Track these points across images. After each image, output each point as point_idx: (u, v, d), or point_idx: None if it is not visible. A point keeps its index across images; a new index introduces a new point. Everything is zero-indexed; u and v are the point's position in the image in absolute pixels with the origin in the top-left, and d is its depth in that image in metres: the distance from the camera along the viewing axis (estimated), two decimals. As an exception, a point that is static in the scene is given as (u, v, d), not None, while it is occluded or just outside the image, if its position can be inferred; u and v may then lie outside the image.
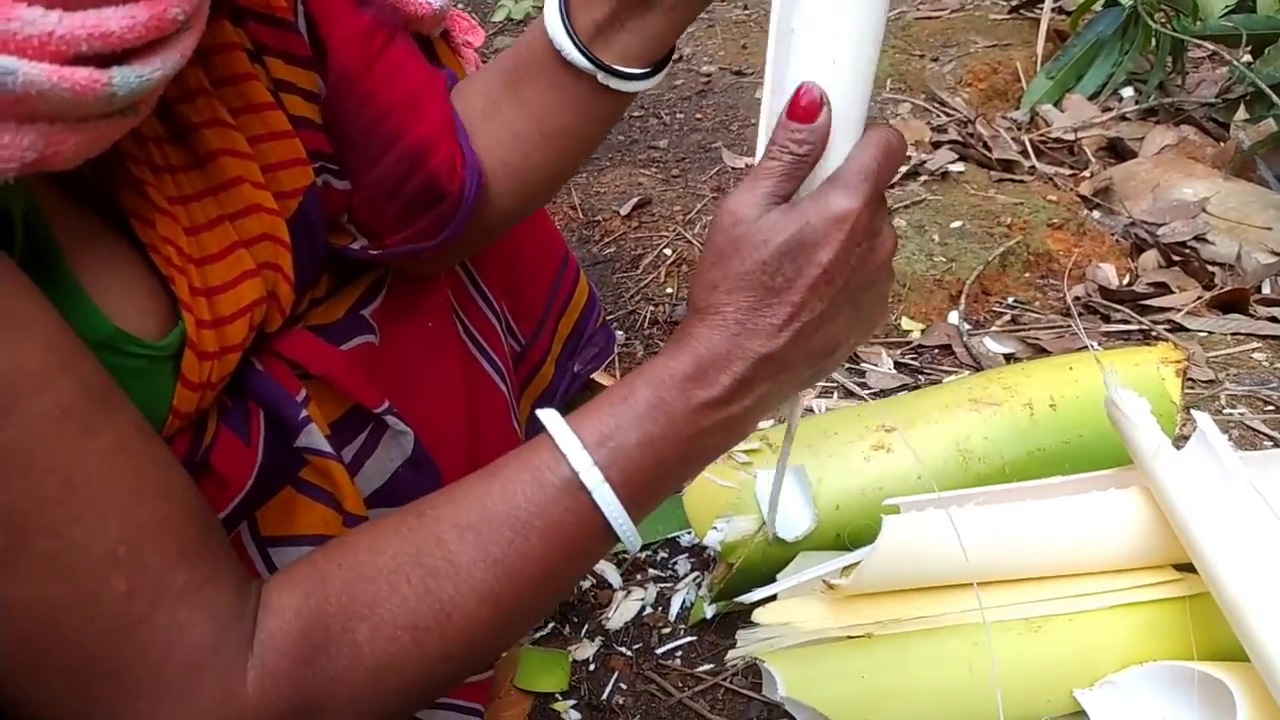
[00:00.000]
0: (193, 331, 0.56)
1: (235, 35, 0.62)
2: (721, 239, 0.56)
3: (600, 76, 0.66)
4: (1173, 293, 1.43)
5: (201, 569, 0.52)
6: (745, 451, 0.94)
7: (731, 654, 0.82)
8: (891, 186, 1.56)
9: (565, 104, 0.69)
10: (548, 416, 0.57)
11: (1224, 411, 1.15)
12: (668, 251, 1.53)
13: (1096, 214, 1.64)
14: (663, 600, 0.99)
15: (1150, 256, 1.53)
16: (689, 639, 0.95)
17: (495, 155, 0.72)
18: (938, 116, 1.89)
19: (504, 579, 0.55)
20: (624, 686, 0.91)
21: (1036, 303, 1.44)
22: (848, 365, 1.30)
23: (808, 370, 0.59)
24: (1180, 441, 1.01)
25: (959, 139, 1.79)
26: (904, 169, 1.65)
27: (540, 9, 0.67)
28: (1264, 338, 1.30)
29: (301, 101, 0.66)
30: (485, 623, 0.55)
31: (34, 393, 0.45)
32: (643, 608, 0.98)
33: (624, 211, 1.62)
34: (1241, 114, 1.82)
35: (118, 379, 0.51)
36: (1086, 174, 1.76)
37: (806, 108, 0.55)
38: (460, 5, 2.78)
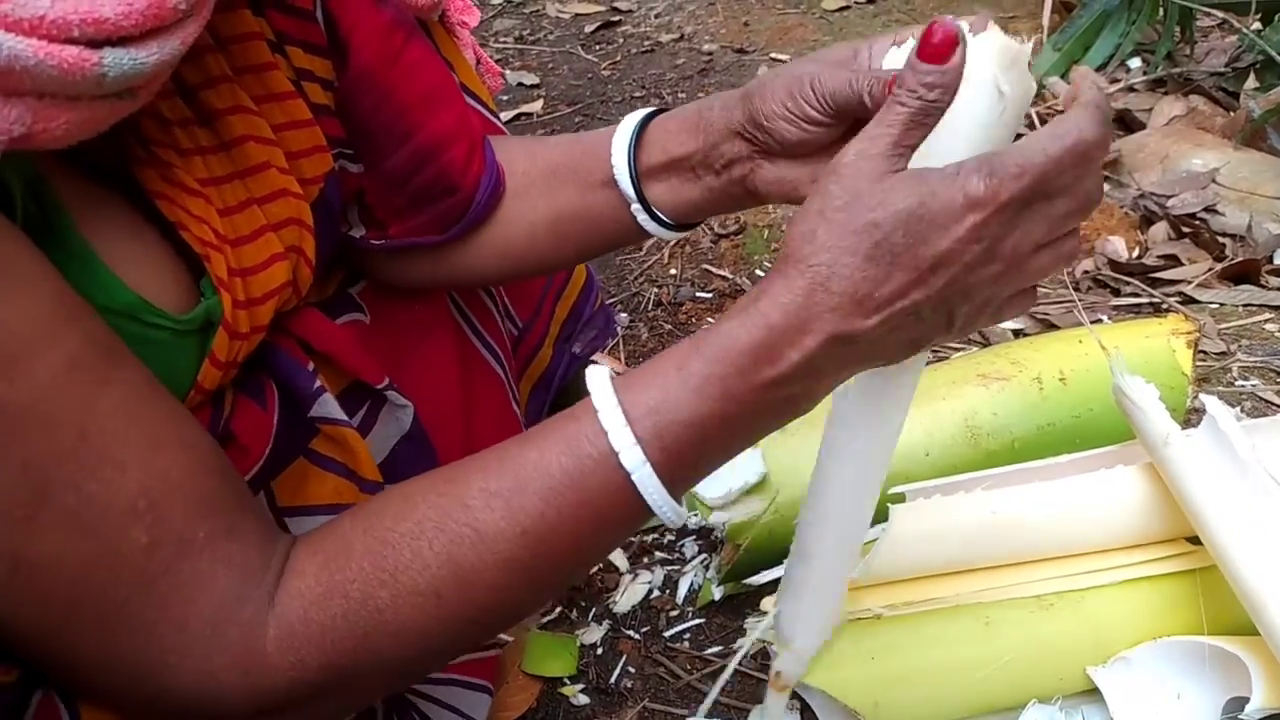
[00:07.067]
0: (229, 312, 0.57)
1: (256, 25, 0.62)
2: (834, 187, 0.50)
3: (634, 207, 0.71)
4: (1183, 265, 1.41)
5: (221, 523, 0.52)
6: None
7: (741, 643, 0.81)
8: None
9: (589, 216, 0.73)
10: (595, 379, 0.53)
11: (1236, 383, 1.14)
12: (671, 232, 1.52)
13: (1105, 186, 1.62)
14: (670, 583, 0.98)
15: (1160, 228, 1.51)
16: (697, 621, 0.94)
17: (505, 234, 0.75)
18: (943, 91, 1.87)
19: (531, 549, 0.53)
20: (632, 670, 0.90)
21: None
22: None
23: (881, 362, 0.54)
24: (1191, 415, 1.00)
25: (965, 113, 1.77)
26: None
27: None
28: (1276, 308, 1.28)
29: (320, 89, 0.67)
30: (511, 589, 0.54)
31: (42, 346, 0.45)
32: (650, 591, 0.98)
33: (627, 193, 1.61)
34: (1251, 83, 1.80)
35: (139, 350, 0.51)
36: (1094, 146, 1.74)
37: (940, 45, 0.49)
38: (460, -12, 2.75)
